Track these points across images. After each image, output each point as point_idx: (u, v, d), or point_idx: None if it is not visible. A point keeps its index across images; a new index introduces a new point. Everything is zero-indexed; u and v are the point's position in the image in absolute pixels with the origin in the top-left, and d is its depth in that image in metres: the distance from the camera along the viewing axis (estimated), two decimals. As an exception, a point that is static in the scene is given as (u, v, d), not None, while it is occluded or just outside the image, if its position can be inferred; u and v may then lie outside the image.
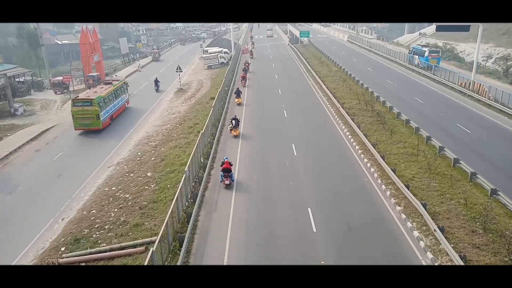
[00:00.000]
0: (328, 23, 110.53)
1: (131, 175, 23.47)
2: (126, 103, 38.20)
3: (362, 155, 23.17)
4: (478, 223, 15.73)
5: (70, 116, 31.46)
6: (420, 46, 53.41)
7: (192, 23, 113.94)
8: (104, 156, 27.44)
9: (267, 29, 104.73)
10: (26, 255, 17.19)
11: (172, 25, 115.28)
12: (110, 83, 36.53)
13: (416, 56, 48.99)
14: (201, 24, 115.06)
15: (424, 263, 14.16)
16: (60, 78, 48.06)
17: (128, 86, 39.94)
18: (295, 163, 22.83)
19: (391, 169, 20.19)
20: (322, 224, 16.54)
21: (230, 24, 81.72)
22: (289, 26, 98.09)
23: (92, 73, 48.60)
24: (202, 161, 22.95)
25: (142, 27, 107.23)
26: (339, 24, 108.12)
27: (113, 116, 34.36)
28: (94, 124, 31.29)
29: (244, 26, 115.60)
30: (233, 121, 27.49)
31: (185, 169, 19.05)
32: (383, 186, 19.44)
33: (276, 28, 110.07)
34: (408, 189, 18.21)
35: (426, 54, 47.42)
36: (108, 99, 33.35)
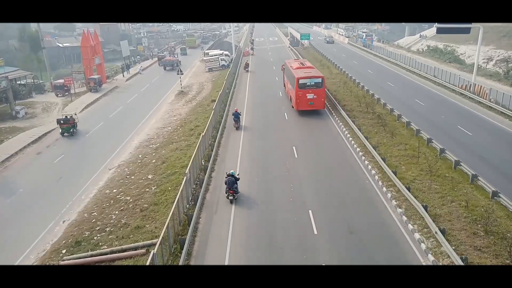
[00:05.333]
0: (328, 26, 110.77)
1: (132, 177, 23.49)
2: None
3: (363, 157, 23.15)
4: (479, 225, 15.70)
5: None
6: (362, 33, 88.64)
7: (193, 25, 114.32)
8: (106, 158, 27.49)
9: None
10: (27, 258, 17.23)
11: (173, 27, 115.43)
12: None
13: (360, 39, 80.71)
14: (202, 27, 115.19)
15: (425, 265, 14.12)
16: (61, 80, 48.16)
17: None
18: (296, 165, 22.82)
19: (392, 171, 20.17)
20: (323, 227, 16.52)
21: (231, 25, 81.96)
22: (290, 29, 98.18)
23: (93, 76, 48.67)
24: (203, 163, 22.95)
25: (143, 29, 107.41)
26: (340, 25, 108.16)
27: None
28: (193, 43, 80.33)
29: (245, 28, 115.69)
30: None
31: (186, 172, 19.04)
32: (384, 188, 19.42)
33: (277, 31, 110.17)
34: (409, 191, 18.19)
35: (364, 37, 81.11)
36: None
